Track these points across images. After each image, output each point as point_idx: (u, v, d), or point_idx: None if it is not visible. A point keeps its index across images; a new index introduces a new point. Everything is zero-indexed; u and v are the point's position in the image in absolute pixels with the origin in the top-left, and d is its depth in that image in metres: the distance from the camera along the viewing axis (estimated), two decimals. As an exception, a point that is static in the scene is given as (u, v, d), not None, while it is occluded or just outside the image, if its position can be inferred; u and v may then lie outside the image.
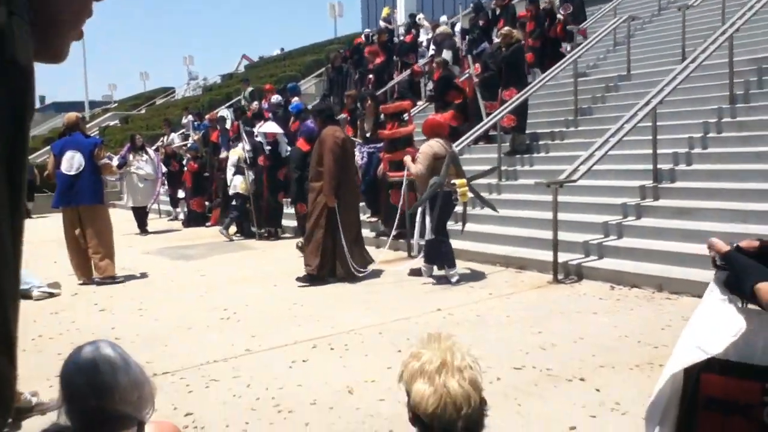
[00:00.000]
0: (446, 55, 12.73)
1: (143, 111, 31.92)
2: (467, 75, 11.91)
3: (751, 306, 1.53)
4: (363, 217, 8.38)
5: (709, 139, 8.19)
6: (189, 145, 15.05)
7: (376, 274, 7.45)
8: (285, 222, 11.28)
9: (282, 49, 33.42)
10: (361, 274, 7.28)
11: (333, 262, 7.26)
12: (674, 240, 6.63)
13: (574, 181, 7.24)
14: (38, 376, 4.15)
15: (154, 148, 15.22)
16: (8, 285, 0.74)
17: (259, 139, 11.06)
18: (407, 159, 7.38)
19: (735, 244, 1.56)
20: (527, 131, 10.49)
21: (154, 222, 13.70)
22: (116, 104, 38.63)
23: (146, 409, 1.84)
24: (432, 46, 15.13)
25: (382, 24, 18.09)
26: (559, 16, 13.10)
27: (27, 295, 6.89)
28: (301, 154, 9.21)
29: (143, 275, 8.22)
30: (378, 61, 15.24)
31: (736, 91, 8.75)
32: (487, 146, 10.85)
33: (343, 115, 11.77)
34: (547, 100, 11.75)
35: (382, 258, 7.91)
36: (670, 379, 1.62)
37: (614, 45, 13.38)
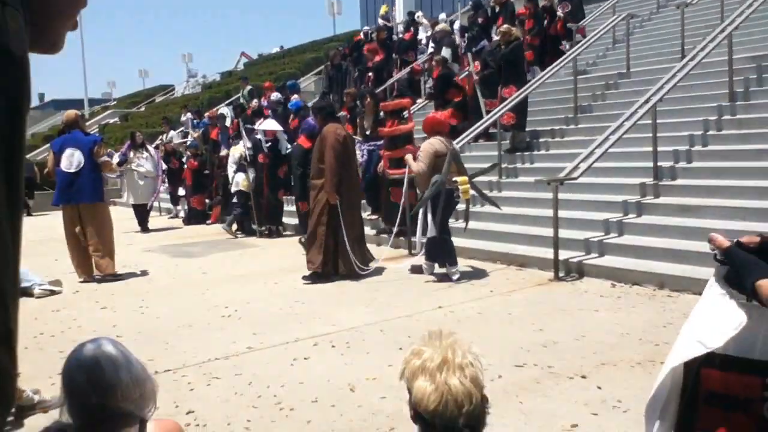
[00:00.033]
0: (445, 52, 12.72)
1: (143, 109, 31.91)
2: (467, 73, 11.91)
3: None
4: (363, 214, 8.37)
5: (709, 136, 8.20)
6: (189, 143, 15.05)
7: (377, 271, 7.45)
8: (286, 219, 11.28)
9: (281, 47, 33.36)
10: (364, 272, 7.28)
11: (336, 260, 7.26)
12: (675, 237, 6.63)
13: (575, 178, 7.24)
14: (40, 374, 4.16)
15: (154, 145, 15.22)
16: (9, 284, 0.74)
17: (258, 136, 11.06)
18: (408, 157, 7.38)
19: (735, 240, 1.56)
20: (527, 129, 10.49)
21: (154, 219, 13.70)
22: (115, 102, 38.63)
23: (148, 407, 1.85)
24: (431, 44, 15.13)
25: (380, 21, 18.08)
26: (559, 13, 13.08)
27: (28, 292, 6.90)
28: (302, 151, 9.21)
29: (144, 273, 8.22)
30: (377, 58, 15.23)
31: (735, 88, 8.75)
32: (487, 144, 10.85)
33: (342, 113, 11.76)
34: (547, 98, 11.75)
35: (383, 256, 7.91)
36: (670, 374, 1.62)
37: (613, 43, 13.37)
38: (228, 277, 7.73)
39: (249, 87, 19.19)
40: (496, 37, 11.71)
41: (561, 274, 6.75)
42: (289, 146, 10.82)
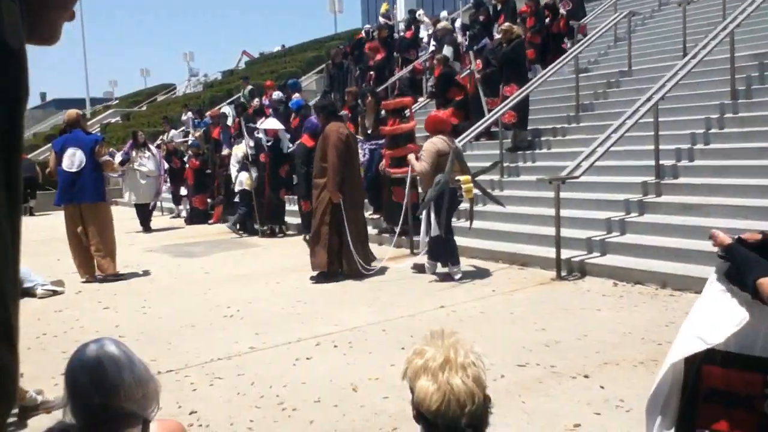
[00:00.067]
0: (447, 51, 12.70)
1: (144, 108, 31.91)
2: (468, 71, 11.90)
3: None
4: (365, 213, 8.37)
5: (711, 134, 8.19)
6: (190, 142, 15.06)
7: (380, 271, 7.44)
8: (288, 218, 11.28)
9: (283, 46, 33.36)
10: (368, 272, 7.27)
11: (340, 259, 7.26)
12: (677, 236, 6.62)
13: (576, 177, 7.23)
14: (43, 375, 4.17)
15: (155, 144, 15.22)
16: (9, 283, 0.74)
17: (260, 135, 11.05)
18: (411, 157, 7.37)
19: (737, 236, 1.56)
20: (529, 127, 10.48)
21: (156, 219, 13.70)
22: (117, 101, 38.64)
23: (151, 407, 1.85)
24: (432, 42, 15.11)
25: (381, 20, 18.05)
26: (562, 11, 13.06)
27: (31, 293, 6.90)
28: (306, 150, 9.21)
29: (146, 273, 8.23)
30: (378, 57, 15.22)
31: (737, 86, 8.74)
32: (489, 143, 10.84)
33: (343, 112, 11.75)
34: (548, 96, 11.73)
35: (387, 255, 7.90)
36: (671, 369, 1.62)
37: (615, 41, 13.36)
38: (230, 276, 7.74)
39: (249, 87, 19.18)
40: (497, 36, 11.70)
41: (563, 274, 6.74)
42: (291, 145, 10.81)
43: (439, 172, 6.70)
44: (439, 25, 15.13)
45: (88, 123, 19.82)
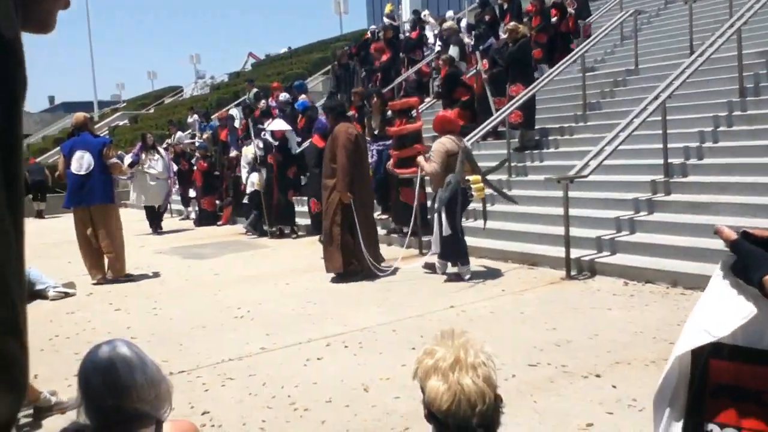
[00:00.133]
0: (453, 51, 12.70)
1: (152, 110, 32.04)
2: (474, 71, 11.88)
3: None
4: (374, 214, 8.37)
5: (720, 132, 8.15)
6: (198, 144, 15.11)
7: (389, 271, 7.45)
8: (298, 220, 11.28)
9: (289, 47, 33.42)
10: (381, 273, 7.27)
11: (357, 257, 7.26)
12: (687, 235, 6.60)
13: (585, 176, 7.21)
14: (56, 376, 4.19)
15: (164, 146, 15.29)
16: (14, 281, 0.73)
17: (266, 136, 11.08)
18: (420, 159, 7.37)
19: (742, 230, 1.55)
20: (536, 127, 10.47)
21: (165, 221, 13.76)
22: (125, 104, 38.79)
23: (163, 408, 1.86)
24: (438, 42, 15.09)
25: (386, 21, 18.05)
26: (570, 10, 13.02)
27: (43, 295, 6.97)
28: (317, 151, 9.23)
29: (156, 274, 8.27)
30: (384, 58, 15.22)
31: (745, 84, 8.69)
32: (496, 142, 10.83)
33: (350, 113, 11.76)
34: (555, 96, 11.71)
35: (398, 256, 7.90)
36: (677, 363, 1.61)
37: (621, 39, 13.32)
38: (240, 278, 7.76)
39: (255, 90, 19.19)
40: (503, 35, 11.68)
41: (573, 273, 6.73)
42: (298, 147, 10.84)
43: (449, 172, 6.70)
44: (445, 25, 15.11)
45: (97, 126, 19.94)
